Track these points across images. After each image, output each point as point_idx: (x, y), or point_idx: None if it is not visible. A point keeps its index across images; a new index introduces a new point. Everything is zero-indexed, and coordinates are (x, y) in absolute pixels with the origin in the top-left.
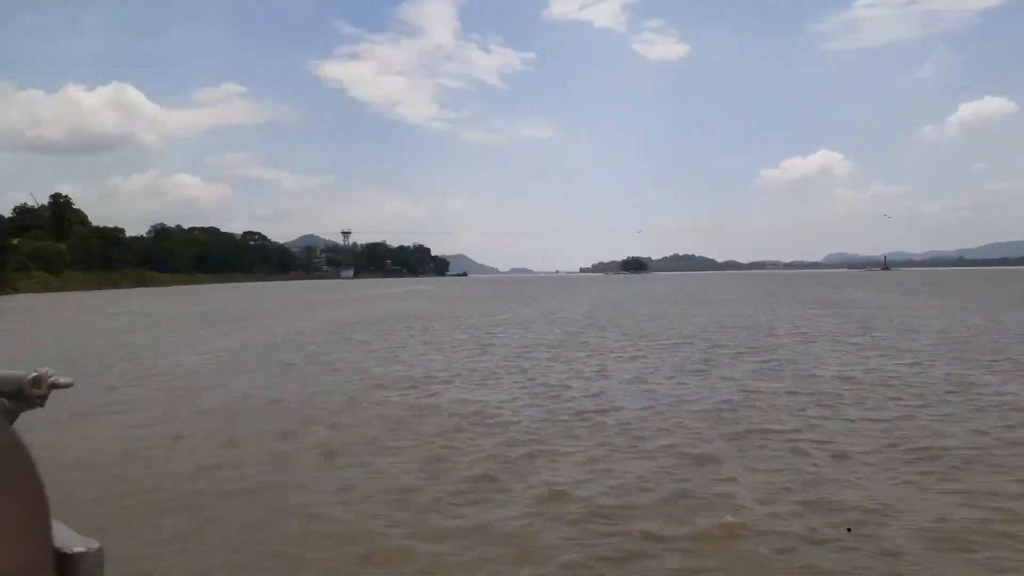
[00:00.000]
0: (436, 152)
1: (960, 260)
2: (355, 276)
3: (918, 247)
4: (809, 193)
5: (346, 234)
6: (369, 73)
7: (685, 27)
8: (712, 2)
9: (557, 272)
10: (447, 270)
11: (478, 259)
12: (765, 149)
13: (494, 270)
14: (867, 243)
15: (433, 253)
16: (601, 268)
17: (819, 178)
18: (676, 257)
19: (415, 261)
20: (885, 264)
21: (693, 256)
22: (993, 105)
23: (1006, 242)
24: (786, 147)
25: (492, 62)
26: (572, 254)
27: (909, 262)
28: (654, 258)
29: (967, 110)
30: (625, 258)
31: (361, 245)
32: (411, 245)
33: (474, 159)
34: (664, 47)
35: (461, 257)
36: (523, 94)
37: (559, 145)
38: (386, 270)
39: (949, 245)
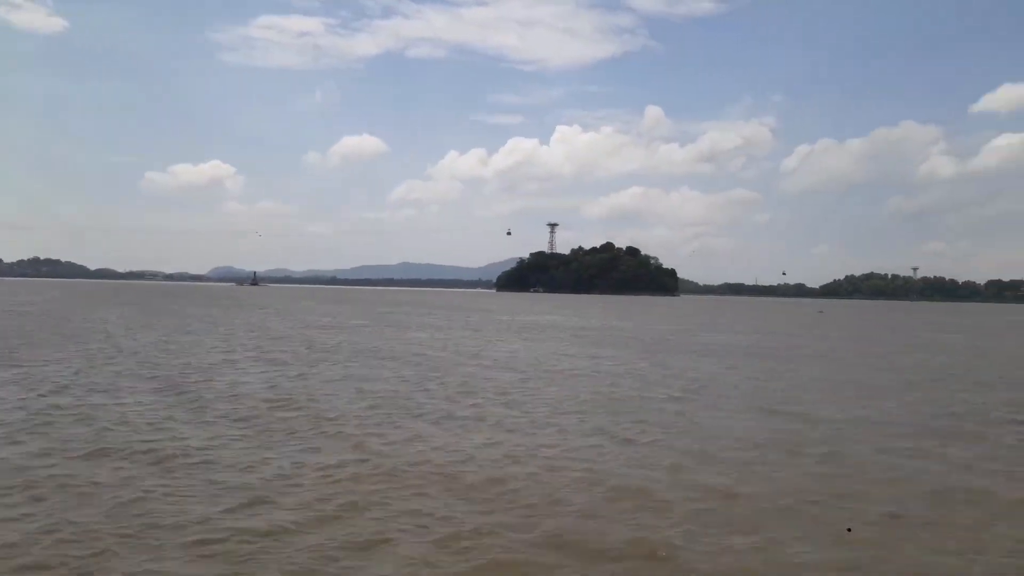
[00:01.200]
0: None
1: (333, 279)
2: None
3: (299, 265)
4: (198, 203)
5: None
6: None
7: None
8: None
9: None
10: None
11: None
12: (153, 151)
13: None
14: (252, 259)
15: None
16: None
17: (210, 188)
18: (36, 261)
19: None
20: (255, 280)
21: (59, 261)
22: (370, 142)
23: (373, 265)
24: (177, 152)
25: None
26: None
27: (288, 278)
28: (5, 260)
29: (349, 143)
30: None
31: None
32: None
33: None
34: (34, 16)
35: None
36: None
37: None
38: None
39: (327, 265)
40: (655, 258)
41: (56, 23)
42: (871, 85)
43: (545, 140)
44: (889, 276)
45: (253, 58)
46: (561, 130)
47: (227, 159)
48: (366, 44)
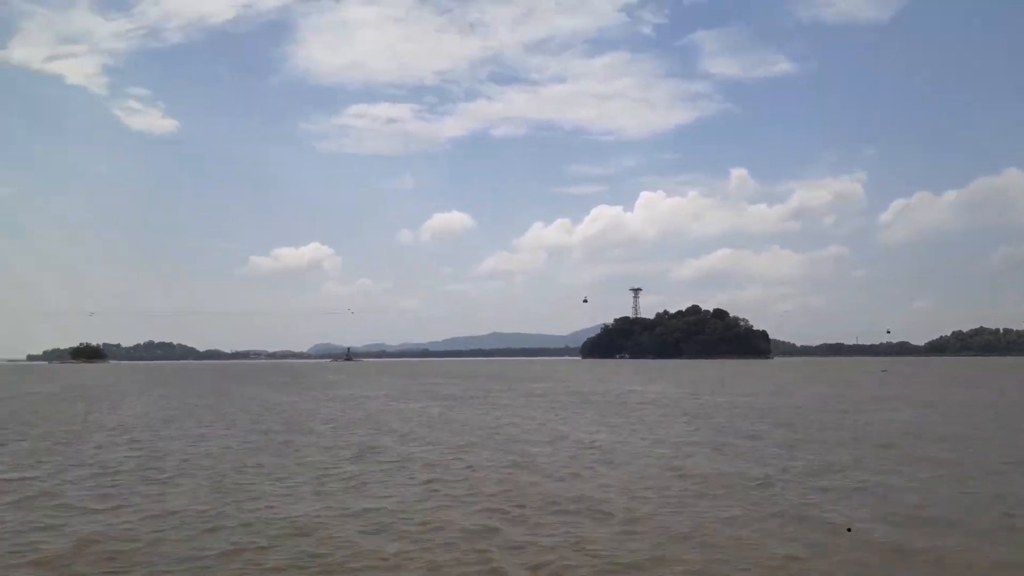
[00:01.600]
0: None
1: (425, 352)
2: None
3: (394, 339)
4: (298, 284)
5: None
6: None
7: (173, 101)
8: (202, 83)
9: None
10: None
11: None
12: (256, 237)
13: None
14: (350, 335)
15: None
16: (53, 355)
17: (309, 270)
18: (151, 345)
19: None
20: (348, 355)
21: (171, 344)
22: (459, 218)
23: (464, 336)
24: (277, 237)
25: None
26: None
27: (383, 352)
28: (124, 345)
29: (439, 219)
30: (78, 344)
31: None
32: None
33: None
34: (149, 118)
35: None
36: None
37: (22, 205)
38: None
39: (420, 338)
40: (744, 319)
41: (169, 124)
42: (968, 133)
43: (629, 207)
44: (1000, 331)
45: (346, 146)
46: (645, 196)
47: (326, 241)
48: (452, 127)
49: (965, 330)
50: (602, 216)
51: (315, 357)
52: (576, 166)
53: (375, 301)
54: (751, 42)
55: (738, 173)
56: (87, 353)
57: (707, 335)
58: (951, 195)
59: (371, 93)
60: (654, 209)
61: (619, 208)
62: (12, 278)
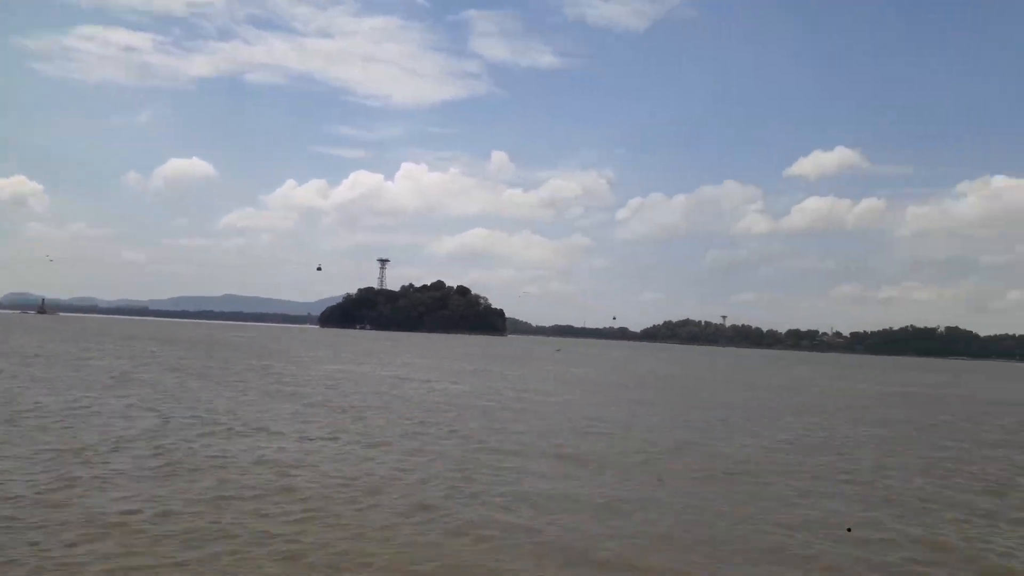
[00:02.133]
0: None
1: (145, 310)
2: None
3: (111, 294)
4: None
5: None
6: None
7: None
8: None
9: None
10: None
11: None
12: None
13: None
14: (56, 285)
15: None
16: None
17: (10, 206)
18: None
19: None
20: (42, 308)
21: None
22: (199, 165)
23: (194, 296)
24: None
25: None
26: None
27: (94, 307)
28: None
29: (175, 165)
30: None
31: None
32: None
33: None
34: None
35: None
36: None
37: None
38: None
39: (141, 295)
40: (485, 298)
41: None
42: (702, 144)
43: (390, 176)
44: (703, 323)
45: (70, 70)
46: (407, 167)
47: (33, 175)
48: (200, 65)
49: (675, 320)
50: (361, 182)
51: (7, 308)
52: (337, 127)
53: (89, 249)
54: (522, 29)
55: (499, 156)
56: None
57: (450, 311)
58: (680, 199)
59: (105, 14)
60: (415, 181)
61: (380, 176)
62: None
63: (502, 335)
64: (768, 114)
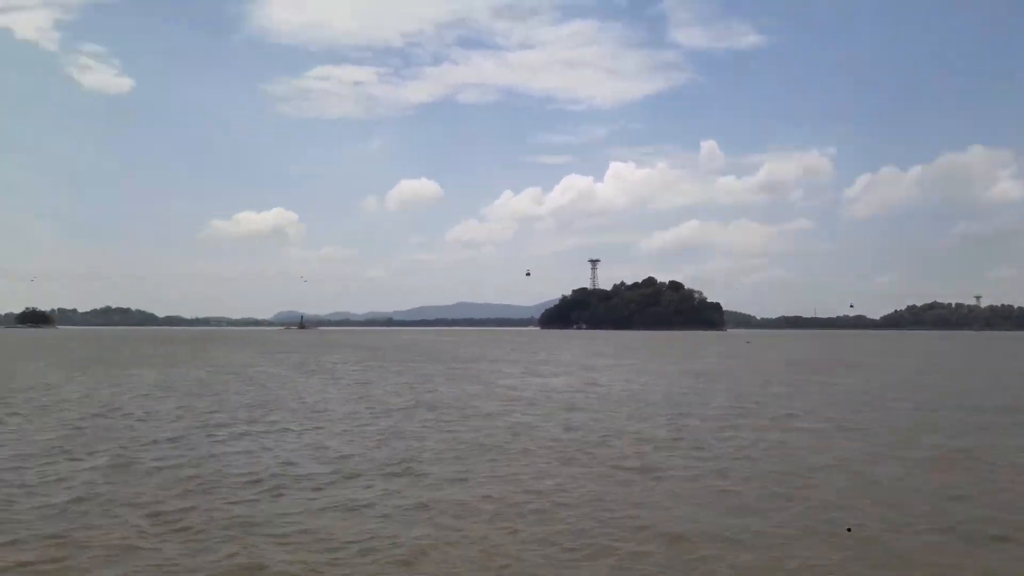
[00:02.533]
0: None
1: (390, 321)
2: None
3: (359, 307)
4: (262, 250)
5: None
6: None
7: (128, 59)
8: (159, 40)
9: None
10: None
11: None
12: (216, 201)
13: None
14: (316, 303)
15: None
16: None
17: (273, 235)
18: (108, 310)
19: None
20: (302, 323)
21: (129, 310)
22: (425, 184)
23: (431, 306)
24: (238, 201)
25: None
26: None
27: (347, 321)
28: (80, 310)
29: (406, 186)
30: (24, 310)
31: None
32: None
33: None
34: (103, 77)
35: None
36: None
37: None
38: None
39: (386, 307)
40: (699, 292)
41: (124, 83)
42: (936, 109)
43: (599, 178)
44: (952, 305)
45: (309, 109)
46: (615, 166)
47: (290, 206)
48: (418, 91)
49: (919, 305)
50: (573, 186)
51: (278, 325)
52: (545, 135)
53: (340, 269)
54: (720, 12)
55: (708, 145)
56: (33, 318)
57: (661, 307)
58: (917, 170)
59: (334, 55)
60: (624, 180)
61: (590, 179)
62: None
63: (720, 330)
64: (1014, 66)
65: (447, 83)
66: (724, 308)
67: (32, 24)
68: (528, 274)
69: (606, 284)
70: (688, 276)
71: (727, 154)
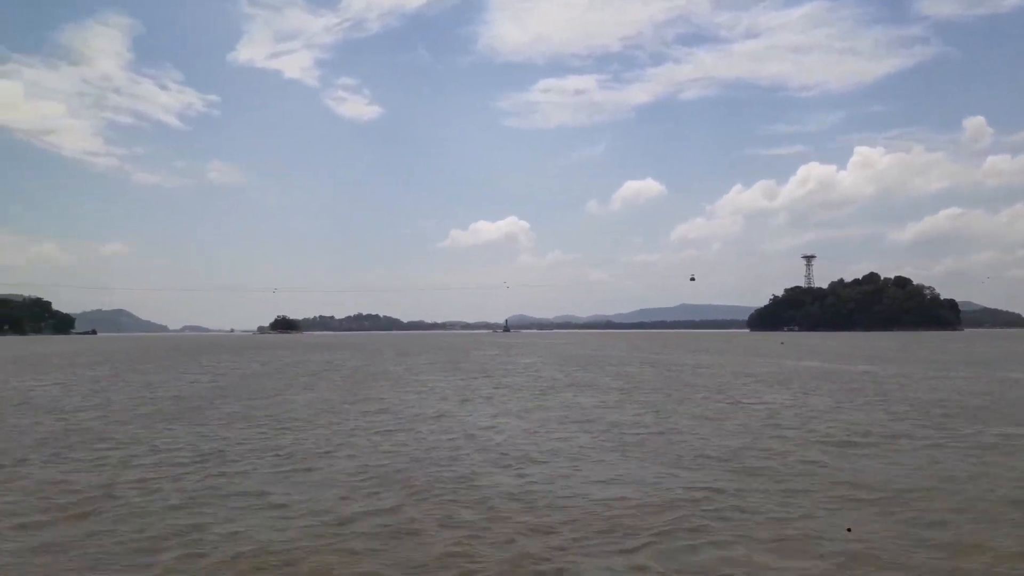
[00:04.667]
0: (98, 192)
1: (609, 324)
2: None
3: (584, 311)
4: (495, 257)
5: None
6: (16, 96)
7: (377, 88)
8: (402, 68)
9: (232, 331)
10: (71, 327)
11: (143, 315)
12: (455, 213)
13: (163, 327)
14: (542, 307)
15: (87, 308)
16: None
17: (506, 243)
18: (360, 317)
19: (28, 316)
20: (506, 327)
21: (378, 316)
22: (649, 185)
23: (652, 308)
24: (476, 212)
25: (171, 100)
26: (250, 311)
27: (569, 323)
28: (337, 317)
29: (629, 188)
30: (276, 318)
31: None
32: (24, 297)
33: (146, 203)
34: (356, 106)
35: (121, 313)
36: (206, 138)
37: (243, 195)
38: None
39: (608, 310)
40: (930, 288)
41: (374, 110)
42: None
43: (842, 166)
44: None
45: (535, 121)
46: (861, 152)
47: (522, 215)
48: (638, 93)
49: None
50: (810, 176)
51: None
52: (775, 125)
53: (565, 272)
54: None
55: (973, 122)
56: (283, 325)
57: (884, 305)
58: None
59: (557, 66)
60: (871, 167)
61: (831, 167)
62: (238, 259)
63: (954, 330)
64: None
65: (668, 82)
66: (989, 306)
67: (297, 64)
68: (692, 279)
69: (823, 282)
70: (946, 272)
71: (997, 131)
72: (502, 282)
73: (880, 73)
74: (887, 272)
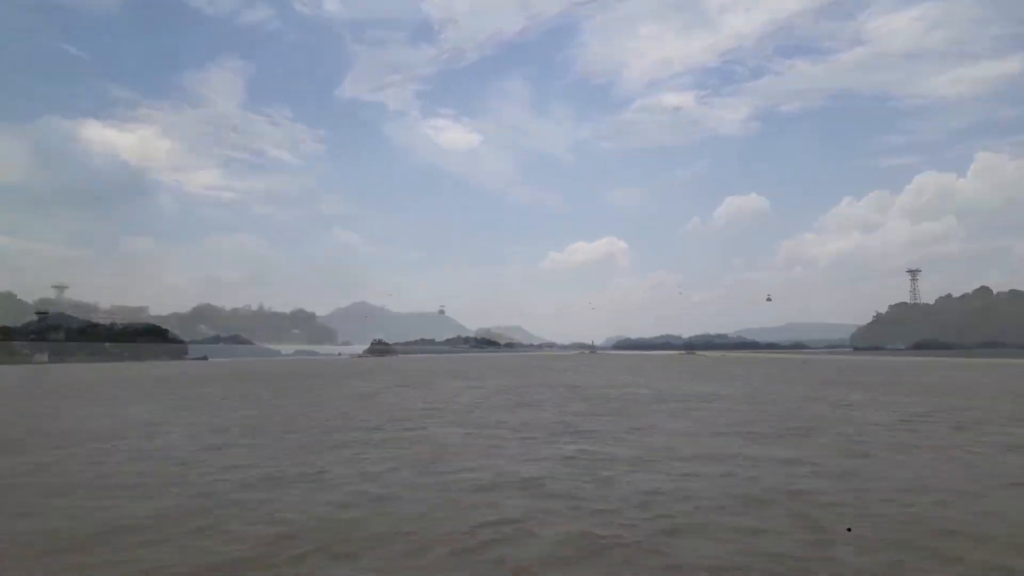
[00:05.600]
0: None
1: (711, 344)
2: (54, 360)
3: (686, 331)
4: (593, 278)
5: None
6: (148, 138)
7: (475, 116)
8: (498, 96)
9: (340, 355)
10: (185, 353)
11: (256, 339)
12: (554, 235)
13: (276, 353)
14: (642, 327)
15: (196, 336)
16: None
17: (604, 263)
18: (458, 340)
19: (144, 342)
20: (592, 348)
21: (490, 330)
22: (752, 200)
23: (756, 328)
24: (573, 233)
25: (281, 136)
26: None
27: (668, 345)
28: (437, 340)
29: (732, 204)
30: (372, 341)
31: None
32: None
33: (262, 232)
34: (455, 135)
35: (235, 336)
36: (316, 171)
37: (350, 223)
38: (104, 353)
39: (710, 329)
40: None
41: (473, 138)
42: None
43: (962, 174)
44: None
45: (632, 141)
46: (983, 158)
47: (621, 235)
48: (738, 108)
49: None
50: (927, 186)
51: (609, 349)
52: (885, 135)
53: (665, 293)
54: None
55: None
56: (379, 350)
57: (993, 323)
58: None
59: (655, 86)
60: (995, 174)
61: (952, 175)
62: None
63: None
64: None
65: (769, 95)
66: None
67: (399, 97)
68: (769, 299)
69: (930, 298)
70: None
71: None
72: (587, 304)
73: (1000, 75)
74: (1014, 284)
